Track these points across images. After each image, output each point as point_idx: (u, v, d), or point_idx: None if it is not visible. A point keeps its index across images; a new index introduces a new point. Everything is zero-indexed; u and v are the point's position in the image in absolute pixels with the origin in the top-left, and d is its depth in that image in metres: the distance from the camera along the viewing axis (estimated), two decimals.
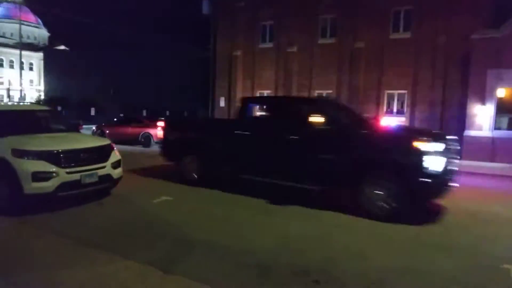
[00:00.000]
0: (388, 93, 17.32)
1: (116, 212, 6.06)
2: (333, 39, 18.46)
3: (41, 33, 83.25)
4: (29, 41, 78.74)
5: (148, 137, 16.67)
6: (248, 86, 21.12)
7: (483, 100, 14.01)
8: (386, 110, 17.35)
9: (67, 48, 72.86)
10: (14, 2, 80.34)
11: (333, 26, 18.49)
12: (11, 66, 74.45)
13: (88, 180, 6.04)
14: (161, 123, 9.16)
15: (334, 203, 6.78)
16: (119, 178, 6.73)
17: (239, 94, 21.26)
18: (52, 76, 51.81)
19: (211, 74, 23.16)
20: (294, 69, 19.37)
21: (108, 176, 6.41)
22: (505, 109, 14.02)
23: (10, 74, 71.40)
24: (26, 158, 5.57)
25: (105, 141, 6.66)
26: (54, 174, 5.64)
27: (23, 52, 76.86)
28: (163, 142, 8.71)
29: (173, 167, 8.58)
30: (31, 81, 77.30)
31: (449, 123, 15.59)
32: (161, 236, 4.96)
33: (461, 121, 15.16)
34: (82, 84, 40.51)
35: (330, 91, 18.63)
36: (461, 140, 14.73)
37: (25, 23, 80.00)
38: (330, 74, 18.44)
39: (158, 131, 16.33)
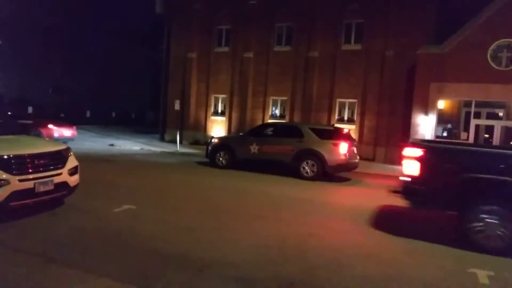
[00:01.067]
0: (339, 102, 18.00)
1: (75, 223, 5.59)
2: (288, 47, 18.84)
3: None
4: None
5: (38, 135, 15.45)
6: (203, 90, 20.85)
7: (426, 111, 15.08)
8: (338, 118, 18.00)
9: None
10: None
11: (289, 34, 18.88)
12: None
13: (42, 189, 5.52)
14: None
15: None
16: (76, 186, 6.24)
17: (193, 97, 20.93)
18: None
19: (164, 76, 22.54)
20: (250, 74, 19.46)
21: (65, 183, 5.92)
22: (445, 119, 15.23)
23: None
24: None
25: (62, 146, 6.13)
26: (4, 182, 5.08)
27: None
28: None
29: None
30: None
31: (395, 132, 16.56)
32: (130, 249, 4.65)
33: (406, 130, 16.19)
34: (17, 80, 37.31)
35: (285, 98, 18.97)
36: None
37: None
38: (285, 81, 18.79)
39: (49, 130, 15.72)
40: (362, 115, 17.48)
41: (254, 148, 11.65)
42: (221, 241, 5.20)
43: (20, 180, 5.24)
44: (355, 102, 17.68)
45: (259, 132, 12.40)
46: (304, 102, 18.37)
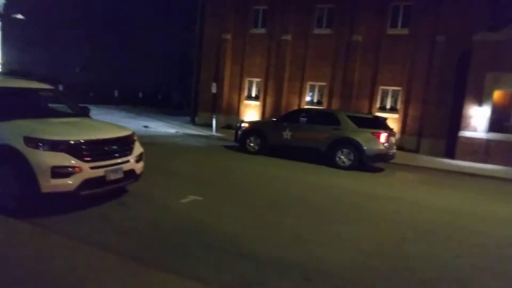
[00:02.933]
0: (382, 89, 17.17)
1: (144, 214, 5.22)
2: (329, 30, 17.96)
3: None
4: None
5: None
6: (237, 73, 20.24)
7: (479, 102, 14.18)
8: (379, 106, 17.21)
9: (22, 17, 67.44)
10: None
11: (330, 16, 17.98)
12: None
13: (113, 177, 5.14)
14: None
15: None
16: (141, 173, 5.85)
17: (227, 80, 20.38)
18: (11, 47, 47.53)
19: (196, 58, 22.02)
20: (287, 58, 18.73)
21: (132, 171, 5.53)
22: (501, 112, 14.28)
23: None
24: (42, 149, 4.58)
25: (128, 131, 5.71)
26: (76, 169, 4.71)
27: None
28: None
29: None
30: None
31: (442, 123, 15.73)
32: (213, 248, 4.24)
33: (454, 121, 15.34)
34: (45, 58, 37.32)
35: (323, 83, 18.23)
36: (455, 140, 14.96)
37: None
38: (324, 66, 18.01)
39: None
40: (406, 104, 16.64)
41: (287, 134, 11.26)
42: (308, 241, 4.75)
43: (91, 168, 4.86)
44: (399, 90, 16.82)
45: (293, 118, 11.87)
46: (343, 88, 17.60)
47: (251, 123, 12.71)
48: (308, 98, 18.67)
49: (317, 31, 18.23)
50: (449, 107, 15.68)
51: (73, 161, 4.70)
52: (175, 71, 39.56)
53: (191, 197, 6.12)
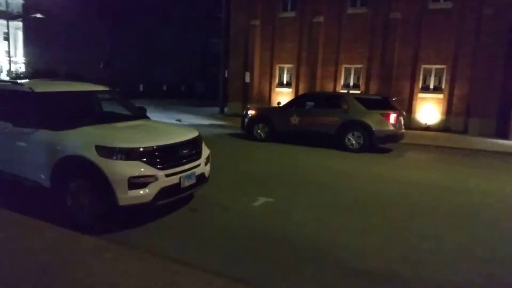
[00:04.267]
0: (424, 68, 16.21)
1: (217, 221, 4.80)
2: (364, 9, 17.03)
3: (14, 0, 77.02)
4: (2, 9, 73.06)
5: None
6: (267, 60, 19.59)
7: None
8: (422, 86, 16.30)
9: (42, 16, 67.99)
10: None
11: None
12: None
13: (187, 183, 4.72)
14: None
15: None
16: (209, 176, 5.43)
17: (256, 68, 19.77)
18: (33, 46, 48.32)
19: (223, 46, 21.42)
20: (319, 41, 17.91)
21: (203, 175, 5.11)
22: None
23: None
24: (117, 158, 4.19)
25: (195, 132, 5.25)
26: (152, 178, 4.30)
27: None
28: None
29: None
30: (7, 53, 72.23)
31: (492, 102, 14.75)
32: (312, 260, 3.78)
33: (505, 99, 14.36)
34: (68, 55, 37.51)
35: (360, 66, 17.40)
36: (507, 119, 14.01)
37: None
38: (360, 48, 17.15)
39: None
40: (451, 82, 15.67)
41: (295, 120, 11.12)
42: (409, 250, 4.23)
43: (167, 175, 4.45)
44: (443, 68, 15.84)
45: (301, 102, 11.76)
46: (382, 70, 16.73)
47: (257, 109, 12.49)
48: (344, 82, 17.89)
49: (351, 10, 17.32)
50: (499, 84, 14.67)
51: (150, 170, 4.29)
52: (197, 61, 39.12)
53: (262, 199, 5.66)
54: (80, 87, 5.60)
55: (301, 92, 18.74)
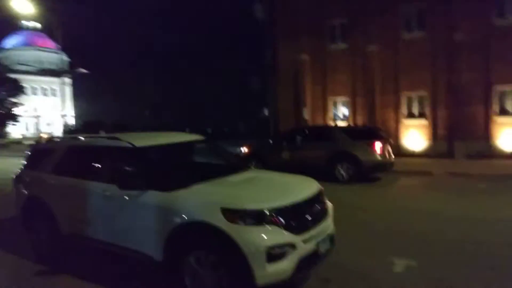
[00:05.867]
0: (499, 90, 14.85)
1: None
2: (422, 33, 16.14)
3: (60, 58, 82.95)
4: (49, 66, 78.66)
5: None
6: (318, 94, 18.89)
7: None
8: (499, 110, 14.85)
9: (86, 71, 72.30)
10: (33, 29, 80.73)
11: (421, 17, 16.17)
12: (33, 93, 74.02)
13: (323, 248, 3.79)
14: None
15: None
16: None
17: (309, 103, 19.09)
18: (82, 100, 50.90)
19: (271, 83, 21.07)
20: (375, 70, 17.08)
21: (332, 236, 4.16)
22: None
23: (35, 101, 71.03)
24: (247, 223, 3.35)
25: (314, 182, 4.37)
26: (291, 246, 3.42)
27: (44, 78, 76.82)
28: None
29: None
30: (54, 107, 76.85)
31: None
32: None
33: None
34: (114, 107, 38.71)
35: (423, 93, 16.28)
36: None
37: (44, 49, 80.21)
38: (421, 73, 16.10)
39: None
40: None
41: (285, 155, 11.30)
42: None
43: (304, 241, 3.56)
44: None
45: (290, 137, 11.79)
46: (448, 95, 15.53)
47: (250, 147, 12.63)
48: (406, 111, 16.77)
49: (407, 35, 16.49)
50: None
51: (287, 236, 3.41)
52: (238, 102, 39.30)
53: (401, 262, 4.57)
54: (176, 137, 4.94)
55: (359, 124, 17.77)
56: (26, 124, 66.35)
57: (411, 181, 11.13)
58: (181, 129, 31.18)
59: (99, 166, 4.46)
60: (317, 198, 4.02)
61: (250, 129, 35.29)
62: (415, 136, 16.39)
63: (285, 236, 3.40)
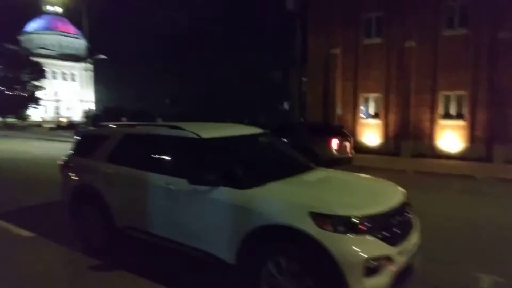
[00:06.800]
0: None
1: None
2: (463, 30, 15.39)
3: (81, 44, 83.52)
4: (70, 52, 79.31)
5: None
6: (349, 89, 18.32)
7: None
8: None
9: (106, 58, 72.51)
10: (55, 14, 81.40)
11: (463, 13, 15.42)
12: (54, 77, 74.83)
13: (415, 260, 3.40)
14: None
15: None
16: None
17: (338, 98, 18.54)
18: (102, 86, 51.22)
19: (297, 76, 20.59)
20: (411, 67, 16.41)
21: (419, 247, 3.74)
22: None
23: (55, 86, 71.78)
24: (341, 231, 2.97)
25: (397, 186, 3.91)
26: (387, 259, 3.02)
27: (65, 63, 77.51)
28: None
29: None
30: (74, 93, 77.60)
31: None
32: None
33: None
34: (133, 93, 38.66)
35: (462, 93, 15.57)
36: None
37: (65, 34, 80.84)
38: (461, 72, 15.39)
39: None
40: None
41: None
42: None
43: (399, 253, 3.16)
44: None
45: None
46: (489, 96, 14.81)
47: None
48: (443, 111, 16.09)
49: (447, 32, 15.75)
50: None
51: (384, 248, 3.02)
52: (258, 94, 38.91)
53: (487, 278, 4.14)
54: (241, 130, 4.57)
55: (391, 124, 17.24)
56: (46, 107, 67.15)
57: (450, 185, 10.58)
58: (199, 119, 31.03)
59: (162, 157, 4.11)
60: (405, 205, 3.60)
61: (270, 122, 34.95)
62: (451, 138, 15.74)
63: (382, 248, 3.00)
